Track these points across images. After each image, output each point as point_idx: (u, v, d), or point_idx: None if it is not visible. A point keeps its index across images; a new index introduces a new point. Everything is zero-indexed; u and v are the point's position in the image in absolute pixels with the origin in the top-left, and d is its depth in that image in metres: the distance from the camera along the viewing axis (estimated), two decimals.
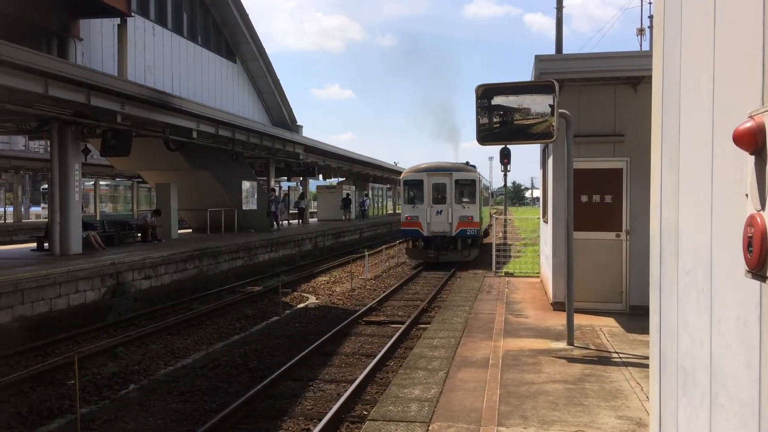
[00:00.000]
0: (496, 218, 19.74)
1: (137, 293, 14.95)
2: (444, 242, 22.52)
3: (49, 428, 7.31)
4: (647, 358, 6.63)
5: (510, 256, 20.94)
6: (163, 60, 24.51)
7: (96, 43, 20.37)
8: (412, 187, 22.94)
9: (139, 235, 20.40)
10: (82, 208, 18.14)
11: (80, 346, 11.07)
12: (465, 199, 22.75)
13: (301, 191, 36.69)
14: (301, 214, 34.31)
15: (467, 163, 25.49)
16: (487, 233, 26.43)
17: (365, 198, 43.31)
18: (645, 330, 7.17)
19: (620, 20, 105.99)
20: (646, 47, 34.53)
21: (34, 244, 17.62)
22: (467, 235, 22.60)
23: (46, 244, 16.56)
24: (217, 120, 20.28)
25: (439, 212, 22.45)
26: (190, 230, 26.71)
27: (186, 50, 26.44)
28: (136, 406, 8.06)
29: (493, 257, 16.10)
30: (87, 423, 7.35)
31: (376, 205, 49.60)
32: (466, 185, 22.99)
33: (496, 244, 16.69)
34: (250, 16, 30.38)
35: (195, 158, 22.34)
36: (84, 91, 14.07)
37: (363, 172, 42.96)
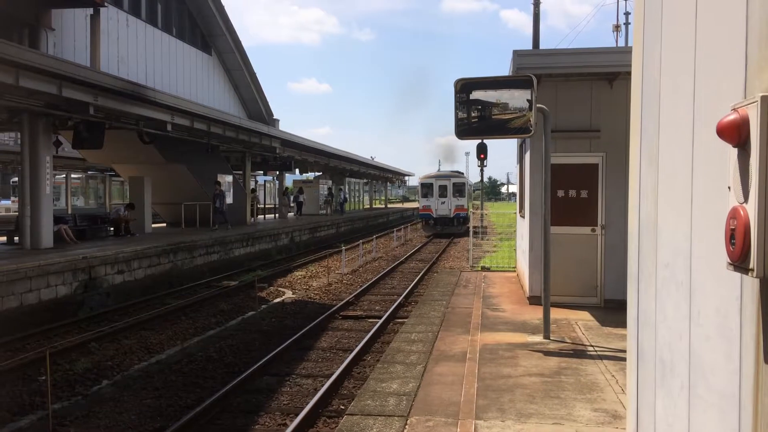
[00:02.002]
0: (473, 212, 23.77)
1: (110, 288, 14.73)
2: (446, 221, 35.78)
3: (21, 425, 7.17)
4: (622, 351, 6.69)
5: (486, 251, 21.40)
6: (136, 51, 24.10)
7: (68, 33, 19.96)
8: (426, 187, 36.40)
9: (112, 229, 20.11)
10: (53, 202, 17.79)
11: (52, 342, 10.88)
12: (458, 194, 35.76)
13: (300, 187, 38.80)
14: (299, 208, 36.74)
15: (459, 172, 40.23)
16: (469, 218, 36.83)
17: (344, 194, 43.68)
18: (619, 323, 7.25)
19: (596, 17, 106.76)
20: (621, 43, 34.89)
21: (3, 238, 17.27)
22: (460, 216, 35.76)
23: (16, 238, 16.24)
24: (192, 113, 19.98)
25: (443, 202, 35.66)
26: (165, 224, 26.38)
27: (160, 42, 26.04)
28: (109, 401, 7.94)
29: (470, 248, 16.85)
30: (59, 419, 7.23)
31: (352, 199, 49.56)
32: (459, 186, 36.29)
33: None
34: (226, 8, 30.03)
35: (170, 151, 22.02)
36: (56, 82, 13.77)
37: (340, 167, 42.83)
